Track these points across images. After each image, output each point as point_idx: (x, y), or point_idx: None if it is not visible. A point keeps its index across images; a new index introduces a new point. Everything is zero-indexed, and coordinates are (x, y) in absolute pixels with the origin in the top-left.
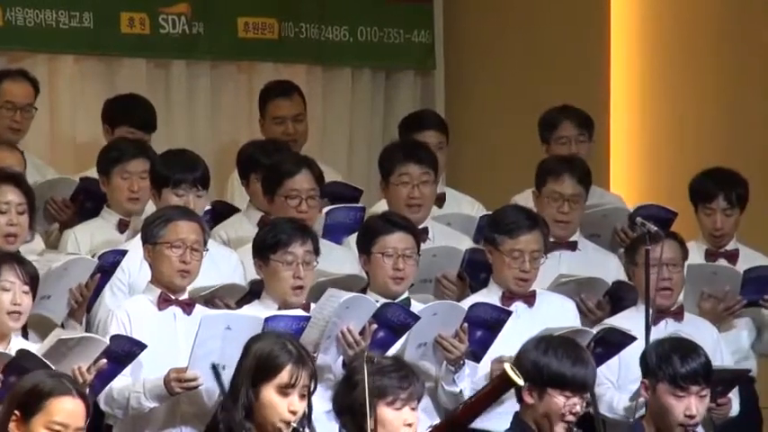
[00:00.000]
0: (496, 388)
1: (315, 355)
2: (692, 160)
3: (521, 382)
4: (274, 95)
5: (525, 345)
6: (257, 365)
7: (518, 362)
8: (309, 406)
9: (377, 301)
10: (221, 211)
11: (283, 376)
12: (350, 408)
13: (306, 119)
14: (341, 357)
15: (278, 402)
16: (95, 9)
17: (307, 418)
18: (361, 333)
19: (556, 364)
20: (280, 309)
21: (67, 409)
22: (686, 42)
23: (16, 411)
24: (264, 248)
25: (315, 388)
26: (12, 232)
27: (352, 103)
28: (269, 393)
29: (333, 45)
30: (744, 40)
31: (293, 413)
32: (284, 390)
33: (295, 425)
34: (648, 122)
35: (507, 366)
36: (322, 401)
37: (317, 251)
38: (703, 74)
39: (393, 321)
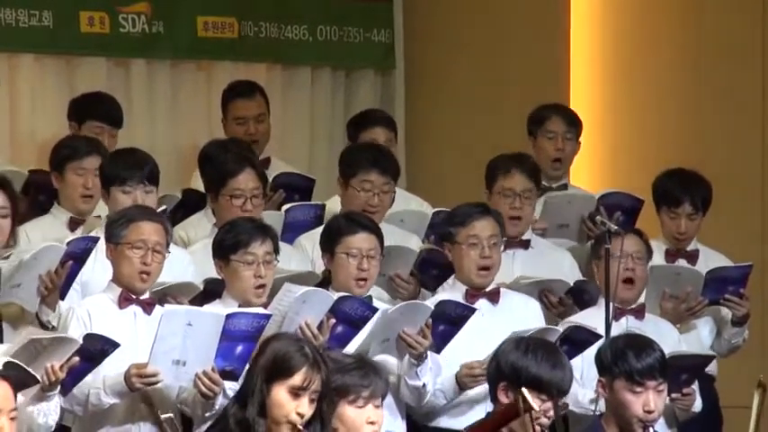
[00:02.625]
0: (506, 413)
1: None
2: (652, 162)
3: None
4: (236, 96)
5: (504, 345)
6: (273, 364)
7: (496, 361)
8: (321, 409)
9: (333, 294)
10: (193, 200)
11: (296, 378)
12: None
13: (268, 119)
14: None
15: (286, 403)
16: (55, 8)
17: (319, 421)
18: (320, 327)
19: (535, 368)
20: (240, 306)
21: None
22: (647, 41)
23: None
24: (224, 249)
25: (327, 393)
26: None
27: (313, 103)
28: (280, 393)
29: (292, 44)
30: (704, 39)
31: (300, 415)
32: (296, 391)
33: (301, 427)
34: (609, 123)
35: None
36: None
37: (276, 250)
38: (664, 74)
39: (351, 315)
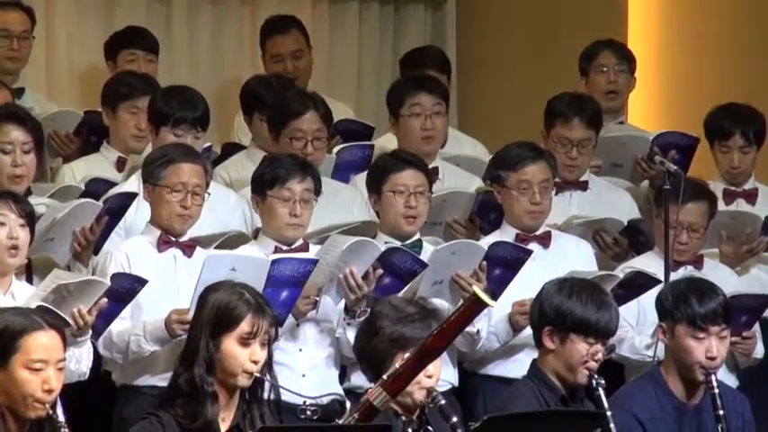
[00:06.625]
0: (468, 310)
1: (319, 299)
2: (710, 99)
3: (492, 303)
4: (271, 32)
5: (547, 287)
6: (216, 317)
7: (540, 304)
8: (270, 353)
9: (385, 244)
10: (230, 154)
11: (244, 327)
12: (368, 355)
13: (307, 54)
14: (342, 301)
15: (239, 353)
16: None
17: (267, 365)
18: (365, 277)
19: (580, 310)
20: (277, 248)
21: (44, 344)
22: None
23: None
24: (262, 184)
25: (276, 336)
26: (17, 173)
27: (360, 38)
28: (230, 344)
29: None
30: None
31: (255, 362)
32: (245, 340)
33: (257, 374)
34: (667, 61)
35: (476, 288)
36: (322, 347)
37: (317, 190)
38: (722, 11)
39: (399, 267)
